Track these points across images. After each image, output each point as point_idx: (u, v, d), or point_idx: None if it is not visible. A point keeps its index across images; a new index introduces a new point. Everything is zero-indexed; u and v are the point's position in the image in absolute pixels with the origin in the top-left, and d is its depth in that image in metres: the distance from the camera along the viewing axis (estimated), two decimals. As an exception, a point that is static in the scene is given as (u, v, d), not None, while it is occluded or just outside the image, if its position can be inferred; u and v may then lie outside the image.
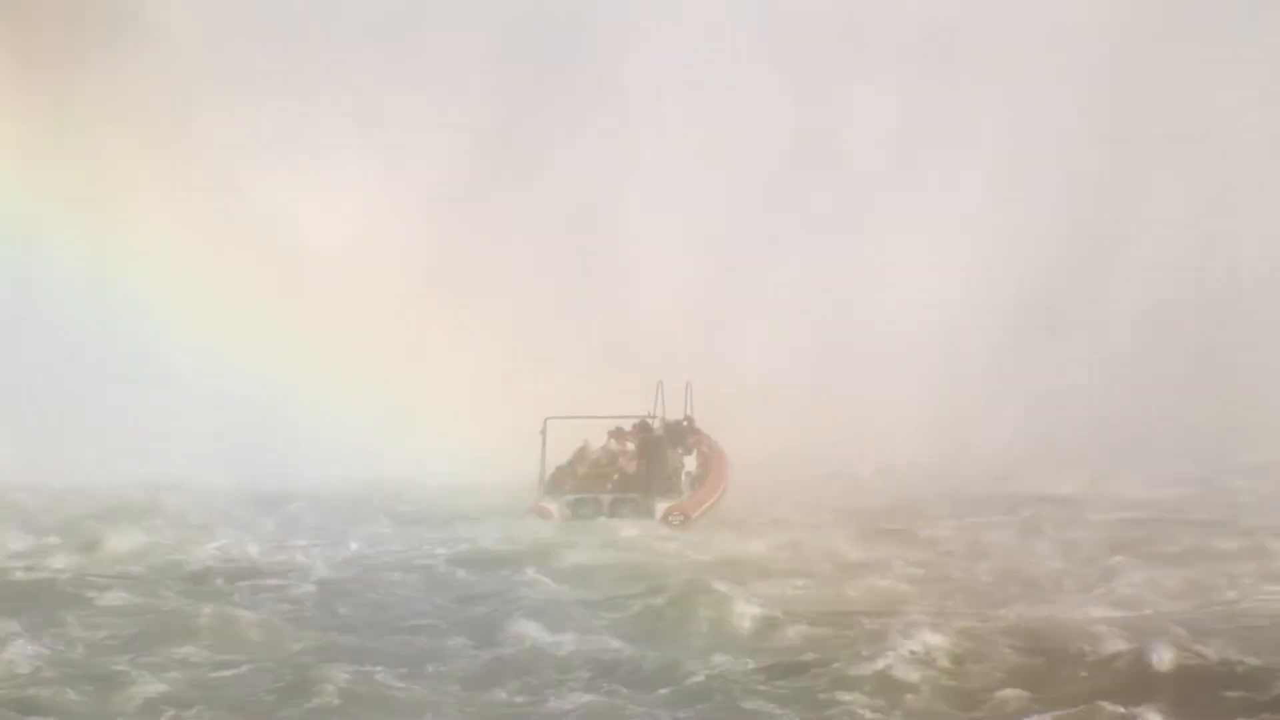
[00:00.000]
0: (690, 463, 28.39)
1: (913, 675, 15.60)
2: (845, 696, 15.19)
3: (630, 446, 28.57)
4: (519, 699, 15.80)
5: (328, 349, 38.17)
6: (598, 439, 28.93)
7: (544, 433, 28.10)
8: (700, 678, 15.84)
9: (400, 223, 39.06)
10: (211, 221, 41.04)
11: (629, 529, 26.40)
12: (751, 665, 16.34)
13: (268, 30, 41.86)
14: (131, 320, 40.18)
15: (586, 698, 15.56)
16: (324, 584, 21.55)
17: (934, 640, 16.17)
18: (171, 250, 40.82)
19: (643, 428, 28.00)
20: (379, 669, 16.49)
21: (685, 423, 29.26)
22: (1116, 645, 16.11)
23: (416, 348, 36.88)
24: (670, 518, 26.59)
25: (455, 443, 33.69)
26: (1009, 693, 15.33)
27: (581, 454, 28.66)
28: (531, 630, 17.78)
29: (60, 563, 23.80)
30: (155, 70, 41.29)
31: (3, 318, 40.62)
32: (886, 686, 15.30)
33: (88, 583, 21.23)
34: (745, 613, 18.24)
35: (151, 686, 16.06)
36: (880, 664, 15.66)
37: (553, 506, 27.27)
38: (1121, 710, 14.43)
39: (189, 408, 38.11)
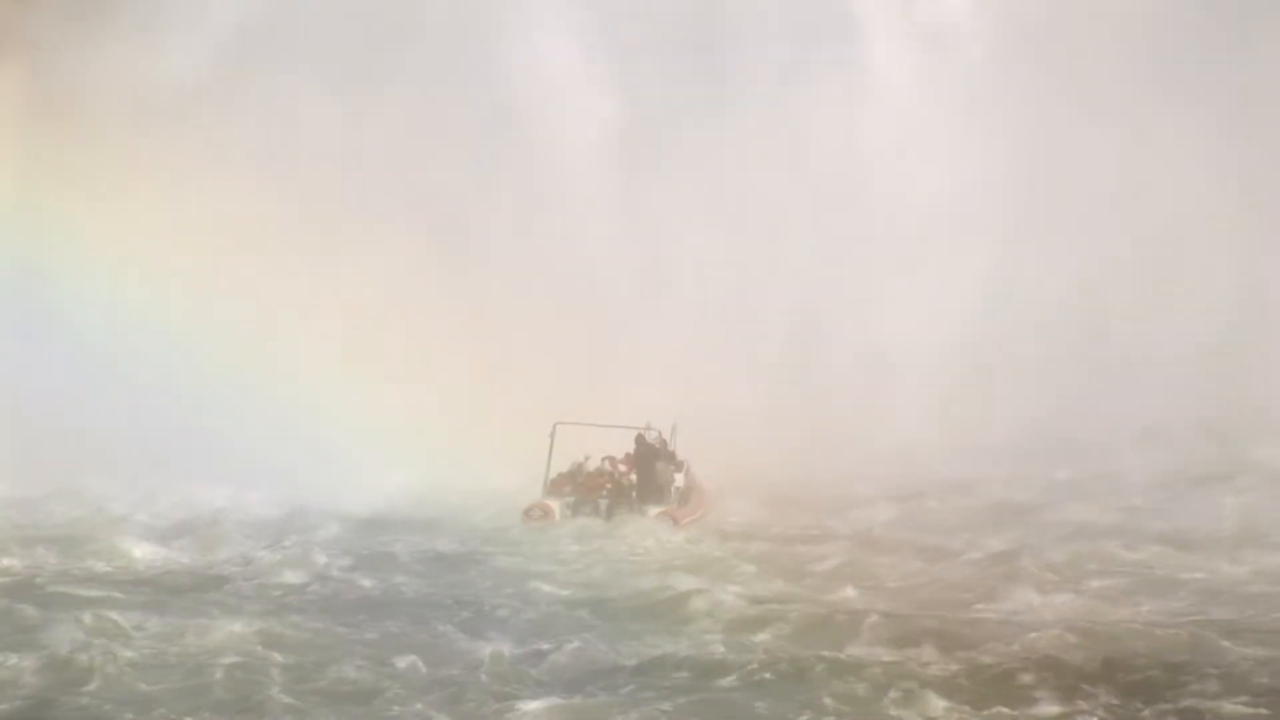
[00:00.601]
0: (680, 479, 30.65)
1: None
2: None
3: (623, 469, 30.92)
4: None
5: (343, 371, 38.71)
6: (596, 452, 31.21)
7: (552, 435, 30.14)
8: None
9: (429, 276, 40.50)
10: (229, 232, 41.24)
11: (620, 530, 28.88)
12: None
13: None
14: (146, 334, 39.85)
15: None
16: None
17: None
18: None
19: (640, 440, 30.33)
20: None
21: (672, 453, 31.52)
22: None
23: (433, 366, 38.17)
24: (661, 518, 29.01)
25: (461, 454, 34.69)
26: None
27: (580, 467, 30.93)
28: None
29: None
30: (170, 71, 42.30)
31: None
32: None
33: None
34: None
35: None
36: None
37: (554, 505, 29.54)
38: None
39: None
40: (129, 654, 19.71)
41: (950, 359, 40.29)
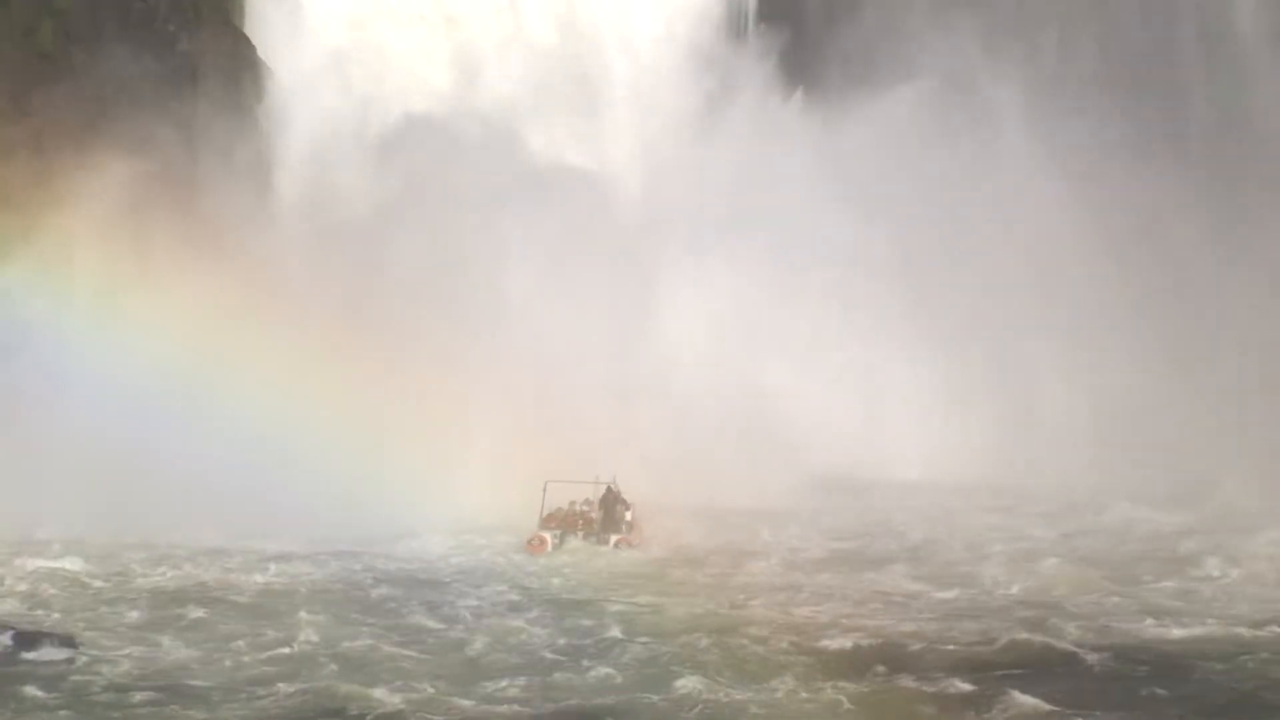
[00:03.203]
0: (629, 515, 43.18)
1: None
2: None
3: (589, 510, 43.36)
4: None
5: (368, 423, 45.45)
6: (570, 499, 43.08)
7: (545, 490, 42.26)
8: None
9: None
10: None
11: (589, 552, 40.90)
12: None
13: None
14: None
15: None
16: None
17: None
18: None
19: (606, 491, 43.36)
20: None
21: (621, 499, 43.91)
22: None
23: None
24: (618, 545, 41.79)
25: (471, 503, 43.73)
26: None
27: (560, 510, 43.04)
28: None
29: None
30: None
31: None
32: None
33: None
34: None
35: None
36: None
37: (547, 536, 41.66)
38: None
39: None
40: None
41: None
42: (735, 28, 60.32)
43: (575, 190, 53.60)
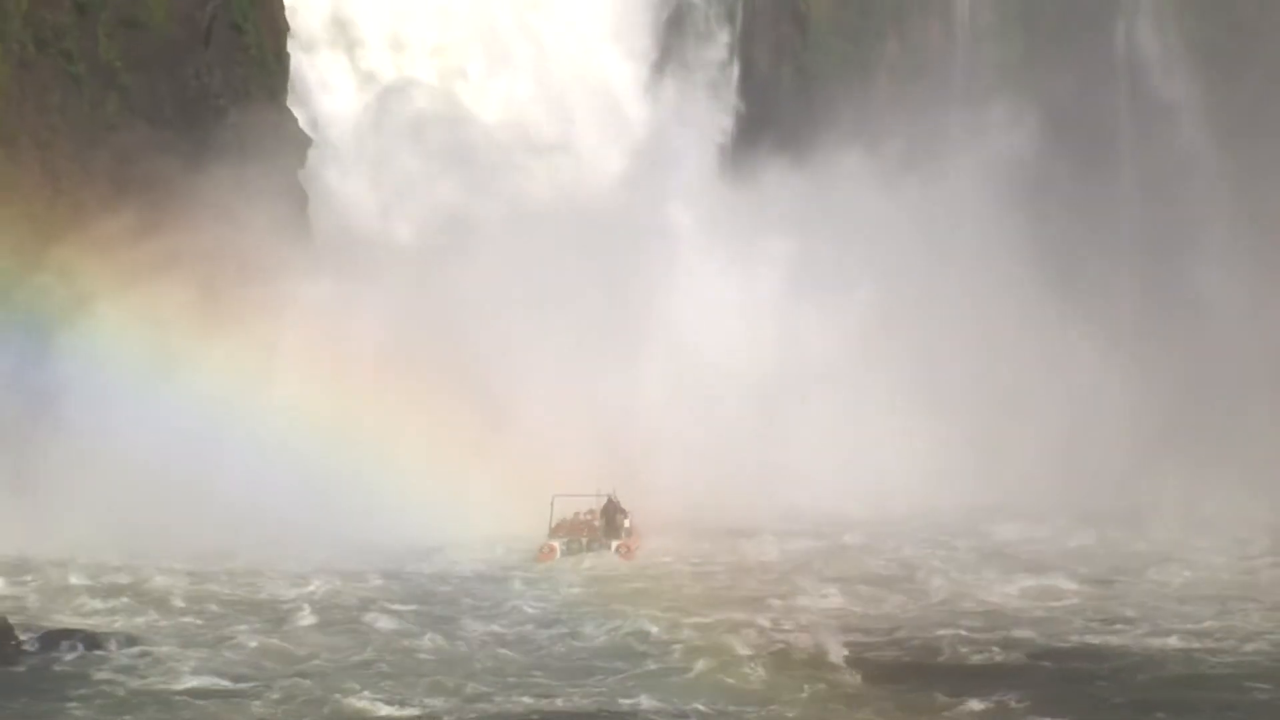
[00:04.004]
0: (628, 523, 46.27)
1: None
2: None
3: (592, 519, 46.30)
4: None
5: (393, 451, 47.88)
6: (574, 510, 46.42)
7: (552, 503, 45.77)
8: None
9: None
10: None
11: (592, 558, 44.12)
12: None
13: None
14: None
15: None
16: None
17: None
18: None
19: (606, 502, 45.80)
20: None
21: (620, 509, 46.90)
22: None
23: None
24: (618, 550, 44.47)
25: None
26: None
27: (566, 520, 46.39)
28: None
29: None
30: None
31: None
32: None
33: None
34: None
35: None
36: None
37: (556, 545, 45.02)
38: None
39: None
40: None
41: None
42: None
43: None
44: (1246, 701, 28.61)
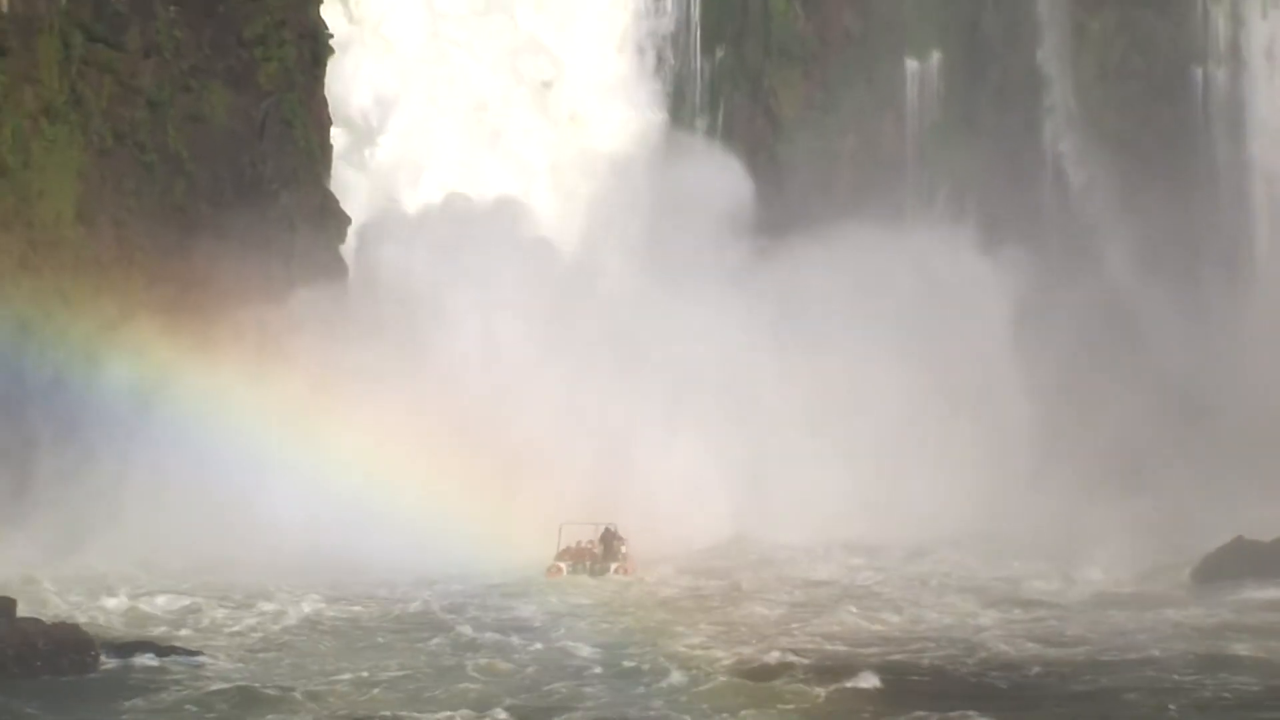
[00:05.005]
0: (624, 549, 48.09)
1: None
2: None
3: (593, 546, 48.24)
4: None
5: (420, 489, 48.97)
6: (578, 539, 48.44)
7: (560, 530, 48.21)
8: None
9: None
10: None
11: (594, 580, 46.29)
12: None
13: None
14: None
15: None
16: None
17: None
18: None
19: (605, 531, 47.62)
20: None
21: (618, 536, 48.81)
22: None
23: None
24: (616, 572, 46.29)
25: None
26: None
27: (570, 546, 48.38)
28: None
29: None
30: None
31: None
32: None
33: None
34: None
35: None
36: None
37: (563, 566, 47.49)
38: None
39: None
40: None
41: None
42: None
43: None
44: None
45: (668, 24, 63.92)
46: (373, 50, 63.10)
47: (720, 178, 58.39)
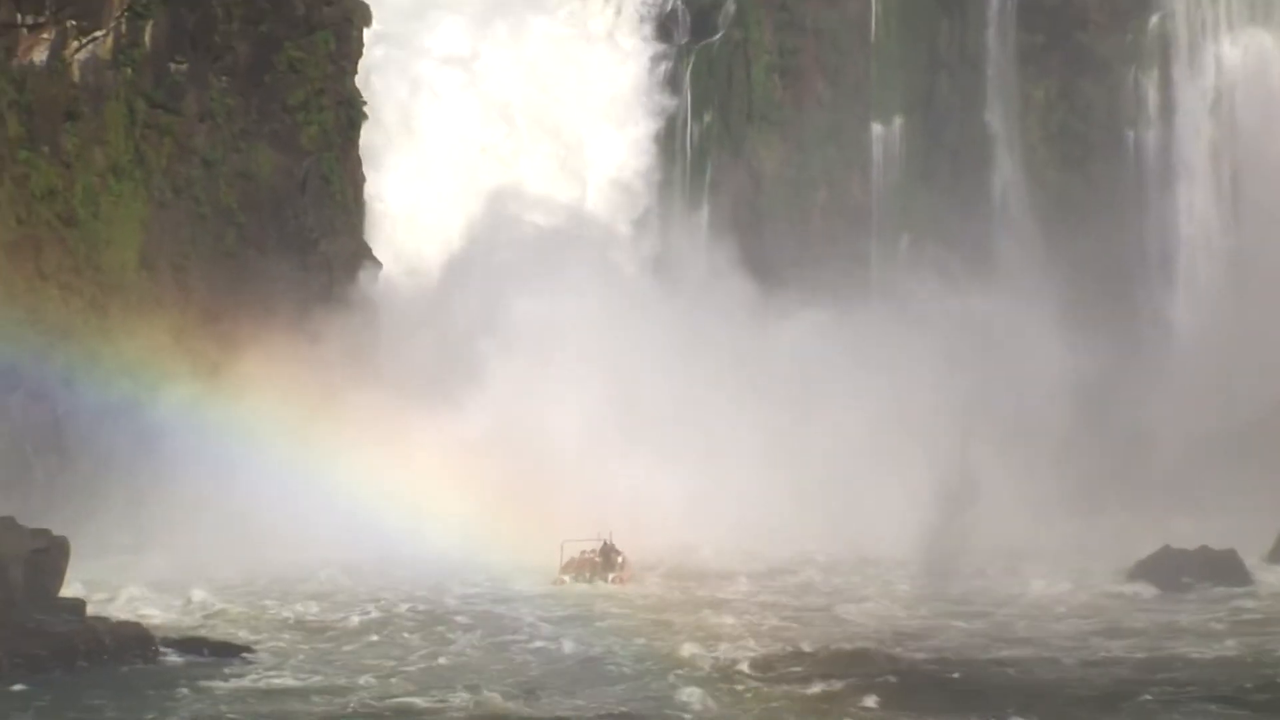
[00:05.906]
0: (621, 560, 49.17)
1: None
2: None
3: (593, 557, 49.32)
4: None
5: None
6: (579, 551, 49.84)
7: (562, 546, 50.06)
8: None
9: None
10: None
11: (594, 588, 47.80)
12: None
13: None
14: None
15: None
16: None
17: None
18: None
19: (604, 544, 48.71)
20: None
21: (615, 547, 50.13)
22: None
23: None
24: (613, 581, 47.34)
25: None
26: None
27: (573, 559, 49.94)
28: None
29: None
30: None
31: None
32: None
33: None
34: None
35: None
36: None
37: (566, 577, 49.43)
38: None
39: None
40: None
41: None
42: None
43: None
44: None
45: (668, 100, 66.43)
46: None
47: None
